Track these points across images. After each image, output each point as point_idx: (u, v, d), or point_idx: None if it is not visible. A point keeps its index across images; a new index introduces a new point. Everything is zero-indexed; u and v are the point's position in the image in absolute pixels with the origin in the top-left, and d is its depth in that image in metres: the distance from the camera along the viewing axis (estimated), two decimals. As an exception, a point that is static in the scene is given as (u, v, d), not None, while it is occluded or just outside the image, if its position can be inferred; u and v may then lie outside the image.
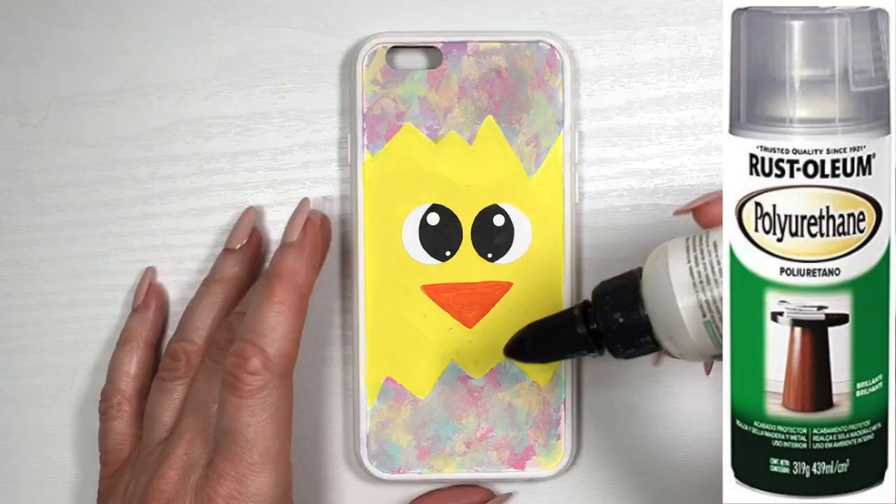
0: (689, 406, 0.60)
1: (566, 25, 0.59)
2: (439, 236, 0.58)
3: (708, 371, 0.54)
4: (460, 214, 0.58)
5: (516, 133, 0.58)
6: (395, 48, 0.58)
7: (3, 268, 0.60)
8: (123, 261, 0.60)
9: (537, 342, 0.52)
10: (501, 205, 0.58)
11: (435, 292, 0.58)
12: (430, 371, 0.59)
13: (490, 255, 0.58)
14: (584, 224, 0.59)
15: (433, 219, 0.58)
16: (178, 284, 0.60)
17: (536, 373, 0.58)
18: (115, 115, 0.60)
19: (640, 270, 0.49)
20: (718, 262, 0.46)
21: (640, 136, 0.59)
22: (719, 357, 0.46)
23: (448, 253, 0.58)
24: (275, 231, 0.60)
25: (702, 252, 0.47)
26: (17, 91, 0.59)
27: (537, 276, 0.58)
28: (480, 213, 0.58)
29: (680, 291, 0.47)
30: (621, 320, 0.48)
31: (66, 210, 0.60)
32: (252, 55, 0.59)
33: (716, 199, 0.48)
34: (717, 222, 0.47)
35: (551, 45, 0.58)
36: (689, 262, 0.47)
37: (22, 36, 0.59)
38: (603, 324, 0.49)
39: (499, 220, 0.58)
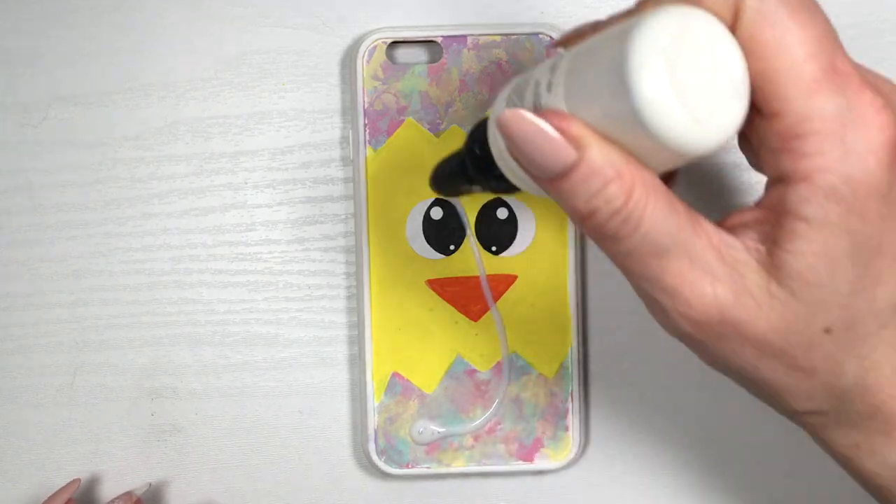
0: (695, 396, 0.60)
1: (566, 26, 0.59)
2: (443, 230, 0.58)
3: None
4: (464, 208, 0.58)
5: (519, 126, 0.58)
6: (396, 43, 0.58)
7: (3, 268, 0.60)
8: (123, 261, 0.60)
9: (438, 179, 0.52)
10: (505, 197, 0.58)
11: (440, 286, 0.58)
12: (436, 365, 0.58)
13: (494, 249, 0.58)
14: (585, 223, 0.59)
15: (437, 213, 0.58)
16: (177, 284, 0.60)
17: (542, 365, 0.58)
18: (115, 115, 0.59)
19: None
20: (536, 85, 0.43)
21: (639, 136, 0.59)
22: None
23: (452, 247, 0.58)
24: (271, 231, 0.59)
25: (526, 81, 0.44)
26: (17, 91, 0.59)
27: (542, 268, 0.58)
28: (484, 206, 0.58)
29: (494, 121, 0.45)
30: (477, 152, 0.48)
31: (66, 210, 0.59)
32: (252, 55, 0.59)
33: (583, 28, 0.45)
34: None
35: (551, 38, 0.58)
36: (510, 91, 0.45)
37: (22, 36, 0.59)
38: (468, 157, 0.48)
39: (502, 213, 0.58)
